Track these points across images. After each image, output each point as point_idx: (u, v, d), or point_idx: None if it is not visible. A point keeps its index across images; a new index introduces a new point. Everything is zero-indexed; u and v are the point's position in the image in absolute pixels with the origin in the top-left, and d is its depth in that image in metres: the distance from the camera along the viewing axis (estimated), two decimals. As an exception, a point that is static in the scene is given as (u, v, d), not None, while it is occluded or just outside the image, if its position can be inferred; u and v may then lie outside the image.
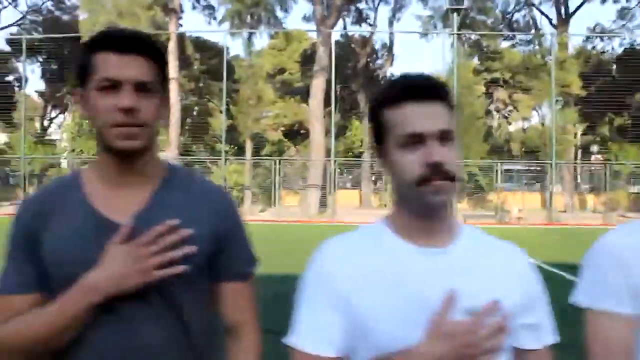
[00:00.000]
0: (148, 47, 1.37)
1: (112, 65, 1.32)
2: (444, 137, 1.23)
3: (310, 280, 1.34)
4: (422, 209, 1.28)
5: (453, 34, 24.48)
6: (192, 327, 1.41)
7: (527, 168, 31.83)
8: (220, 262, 1.46)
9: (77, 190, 1.42)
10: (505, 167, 28.63)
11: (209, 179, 1.64)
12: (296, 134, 38.15)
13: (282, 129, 37.15)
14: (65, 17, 35.93)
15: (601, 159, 30.88)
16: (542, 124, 34.30)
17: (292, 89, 37.33)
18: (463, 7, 23.99)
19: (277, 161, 27.18)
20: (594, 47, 32.82)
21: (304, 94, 34.56)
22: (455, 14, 23.88)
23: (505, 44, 32.81)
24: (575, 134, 30.11)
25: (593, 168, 29.99)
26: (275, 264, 8.26)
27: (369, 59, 35.57)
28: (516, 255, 1.38)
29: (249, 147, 31.24)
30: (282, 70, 36.63)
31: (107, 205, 1.39)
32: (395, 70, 38.93)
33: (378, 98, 1.33)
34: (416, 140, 1.23)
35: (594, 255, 1.43)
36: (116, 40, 1.35)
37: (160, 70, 1.40)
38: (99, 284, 1.29)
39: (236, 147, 31.68)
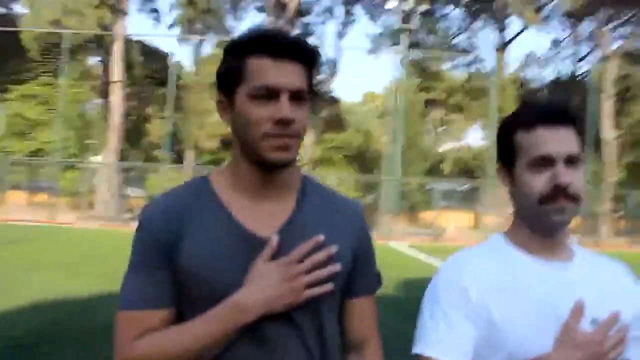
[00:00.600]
0: (305, 53, 1.28)
1: (270, 72, 1.22)
2: (572, 160, 1.32)
3: (443, 292, 1.38)
4: (544, 226, 1.37)
5: (402, 53, 25.19)
6: (330, 345, 1.35)
7: (460, 187, 32.91)
8: (354, 278, 1.40)
9: (211, 198, 1.32)
10: (440, 185, 29.58)
11: (338, 191, 1.54)
12: (235, 144, 37.90)
13: (221, 137, 36.78)
14: (2, 10, 34.33)
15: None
16: (475, 145, 35.74)
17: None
18: (413, 27, 24.77)
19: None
20: (528, 74, 34.52)
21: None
22: (405, 34, 24.60)
23: (446, 65, 33.97)
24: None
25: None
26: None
27: (313, 73, 35.86)
28: (625, 272, 1.48)
29: (188, 155, 30.78)
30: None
31: (249, 217, 1.30)
32: (338, 85, 39.49)
33: (511, 121, 1.41)
34: (546, 162, 1.31)
35: None
36: (274, 44, 1.24)
37: (311, 76, 1.31)
38: (251, 303, 1.22)
39: (175, 155, 31.16)
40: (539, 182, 1.32)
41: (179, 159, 31.34)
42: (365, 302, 1.45)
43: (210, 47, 33.46)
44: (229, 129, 1.32)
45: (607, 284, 1.40)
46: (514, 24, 30.48)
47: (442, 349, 1.33)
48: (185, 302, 1.27)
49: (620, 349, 1.27)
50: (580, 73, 32.79)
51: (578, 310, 1.27)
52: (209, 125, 34.33)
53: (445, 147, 41.02)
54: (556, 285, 1.36)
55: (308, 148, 33.12)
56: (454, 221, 25.61)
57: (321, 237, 1.27)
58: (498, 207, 25.48)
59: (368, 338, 1.47)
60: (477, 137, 40.06)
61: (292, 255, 1.25)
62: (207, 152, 36.09)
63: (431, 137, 40.25)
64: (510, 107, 29.06)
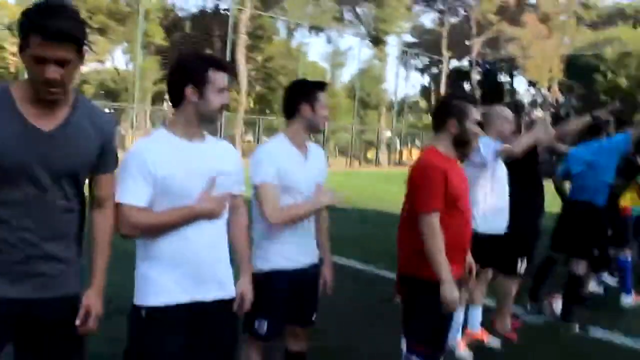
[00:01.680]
0: (68, 37, 1.87)
1: (41, 48, 1.85)
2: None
3: (130, 163, 2.31)
4: (201, 120, 2.40)
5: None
6: (82, 199, 2.18)
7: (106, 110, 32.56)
8: (101, 161, 2.17)
9: (9, 103, 1.96)
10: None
11: (95, 103, 2.31)
12: None
13: None
14: None
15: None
16: (120, 68, 35.67)
17: None
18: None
19: None
20: (174, 3, 35.55)
21: None
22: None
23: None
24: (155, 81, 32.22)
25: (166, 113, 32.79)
26: None
27: None
28: (231, 147, 2.62)
29: None
30: None
31: (37, 118, 1.97)
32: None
33: (204, 62, 2.38)
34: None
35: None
36: (46, 29, 1.83)
37: (79, 44, 1.94)
38: None
39: None
40: (216, 99, 2.35)
41: None
42: (107, 176, 2.24)
43: None
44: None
45: (225, 153, 2.52)
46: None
47: (129, 197, 2.28)
48: None
49: (227, 199, 2.44)
50: (222, 9, 35.17)
51: (211, 180, 2.34)
52: None
53: (88, 68, 39.68)
54: (198, 153, 2.37)
55: None
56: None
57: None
58: (142, 129, 26.42)
59: (108, 198, 2.26)
60: (121, 60, 39.80)
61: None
62: None
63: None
64: (156, 32, 30.07)
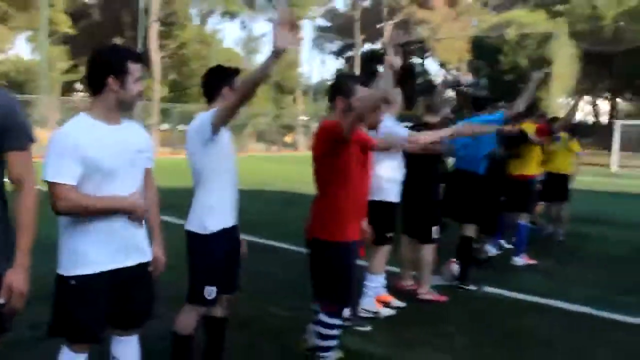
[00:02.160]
0: None
1: None
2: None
3: (57, 144, 2.44)
4: (118, 108, 2.57)
5: None
6: None
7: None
8: (4, 139, 2.24)
9: None
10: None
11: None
12: None
13: None
14: None
15: (82, 95, 32.89)
16: (24, 58, 34.08)
17: None
18: None
19: None
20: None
21: None
22: None
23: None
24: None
25: (76, 105, 31.70)
26: None
27: None
28: (141, 128, 2.81)
29: None
30: None
31: None
32: None
33: (124, 54, 2.56)
34: (139, 78, 2.57)
35: None
36: None
37: None
38: None
39: None
40: (135, 88, 2.55)
41: None
42: (17, 154, 2.30)
43: None
44: None
45: (136, 132, 2.71)
46: None
47: (61, 176, 2.41)
48: None
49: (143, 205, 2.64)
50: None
51: (138, 193, 2.62)
52: None
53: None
54: (119, 135, 2.58)
55: None
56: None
57: None
58: (50, 121, 25.50)
59: (24, 177, 2.31)
60: (25, 49, 38.03)
61: None
62: None
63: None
64: (61, 20, 28.89)
